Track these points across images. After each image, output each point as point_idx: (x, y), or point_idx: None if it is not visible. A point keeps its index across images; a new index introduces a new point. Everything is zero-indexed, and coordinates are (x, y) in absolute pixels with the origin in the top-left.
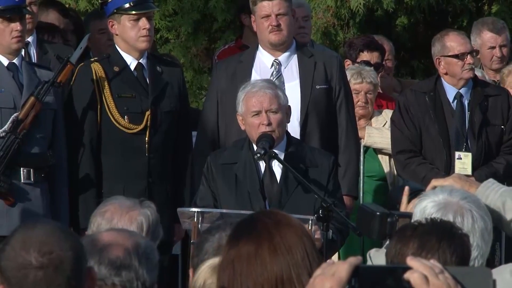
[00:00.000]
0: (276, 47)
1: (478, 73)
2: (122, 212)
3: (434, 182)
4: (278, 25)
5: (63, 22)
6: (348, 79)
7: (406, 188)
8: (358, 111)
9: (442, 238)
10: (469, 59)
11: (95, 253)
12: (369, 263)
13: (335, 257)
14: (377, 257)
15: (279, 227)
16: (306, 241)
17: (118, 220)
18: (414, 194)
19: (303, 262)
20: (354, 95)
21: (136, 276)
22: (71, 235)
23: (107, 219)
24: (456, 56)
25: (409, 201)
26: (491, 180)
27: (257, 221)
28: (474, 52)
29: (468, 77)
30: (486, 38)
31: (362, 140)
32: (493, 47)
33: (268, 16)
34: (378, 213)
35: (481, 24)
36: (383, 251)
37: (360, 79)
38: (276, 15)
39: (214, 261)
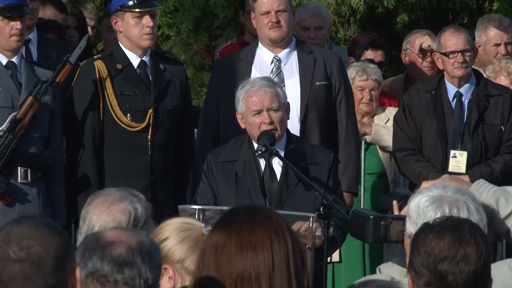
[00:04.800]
0: (276, 44)
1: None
2: (103, 208)
3: (425, 184)
4: (278, 22)
5: (60, 17)
6: (353, 76)
7: (395, 203)
8: (363, 108)
9: (475, 231)
10: (459, 57)
11: (98, 250)
12: (379, 276)
13: (336, 254)
14: (388, 269)
15: (251, 224)
16: (276, 244)
17: (98, 216)
18: (404, 200)
19: (266, 263)
20: (358, 92)
21: (139, 273)
22: (57, 232)
23: (90, 215)
24: (446, 54)
25: (400, 207)
26: (482, 180)
27: (235, 214)
28: (468, 51)
29: (458, 75)
30: (492, 35)
31: (367, 136)
32: (499, 44)
33: (267, 12)
34: (371, 217)
35: (487, 20)
36: (392, 264)
37: (365, 76)
38: (276, 12)
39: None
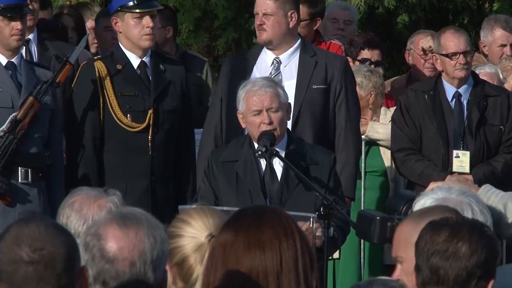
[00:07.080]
0: (267, 46)
1: (491, 70)
2: (90, 202)
3: (433, 185)
4: (261, 24)
5: (42, 14)
6: None
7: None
8: None
9: (473, 230)
10: (461, 59)
11: (100, 265)
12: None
13: (336, 254)
14: None
15: (259, 223)
16: (284, 243)
17: (88, 209)
18: (408, 204)
19: (273, 262)
20: None
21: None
22: (65, 232)
23: (76, 210)
24: (448, 56)
25: (405, 211)
26: (489, 184)
27: (243, 214)
28: (469, 52)
29: (460, 76)
30: (498, 36)
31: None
32: (504, 45)
33: (257, 14)
34: (378, 218)
35: (493, 20)
36: None
37: None
38: (263, 14)
39: None
